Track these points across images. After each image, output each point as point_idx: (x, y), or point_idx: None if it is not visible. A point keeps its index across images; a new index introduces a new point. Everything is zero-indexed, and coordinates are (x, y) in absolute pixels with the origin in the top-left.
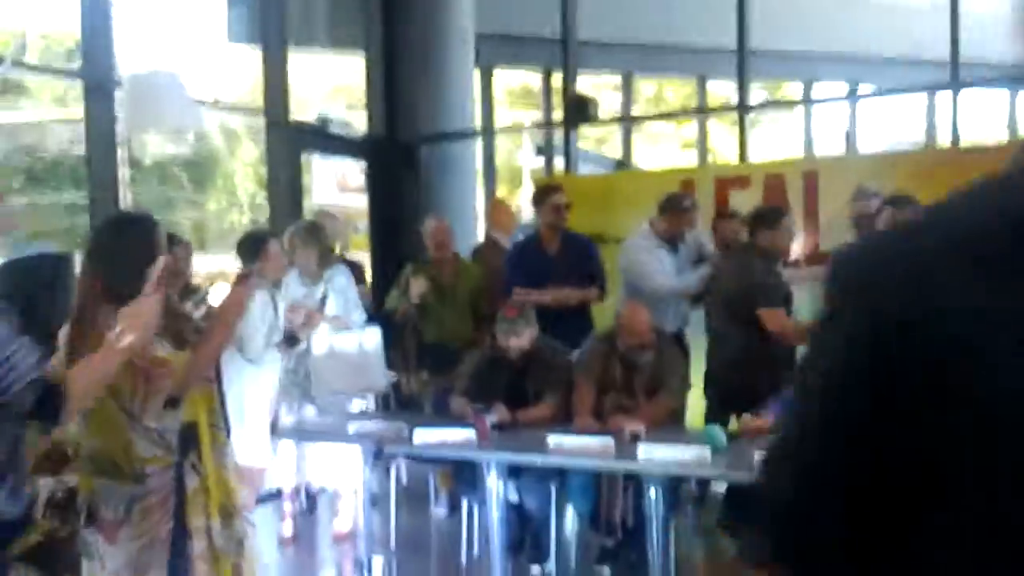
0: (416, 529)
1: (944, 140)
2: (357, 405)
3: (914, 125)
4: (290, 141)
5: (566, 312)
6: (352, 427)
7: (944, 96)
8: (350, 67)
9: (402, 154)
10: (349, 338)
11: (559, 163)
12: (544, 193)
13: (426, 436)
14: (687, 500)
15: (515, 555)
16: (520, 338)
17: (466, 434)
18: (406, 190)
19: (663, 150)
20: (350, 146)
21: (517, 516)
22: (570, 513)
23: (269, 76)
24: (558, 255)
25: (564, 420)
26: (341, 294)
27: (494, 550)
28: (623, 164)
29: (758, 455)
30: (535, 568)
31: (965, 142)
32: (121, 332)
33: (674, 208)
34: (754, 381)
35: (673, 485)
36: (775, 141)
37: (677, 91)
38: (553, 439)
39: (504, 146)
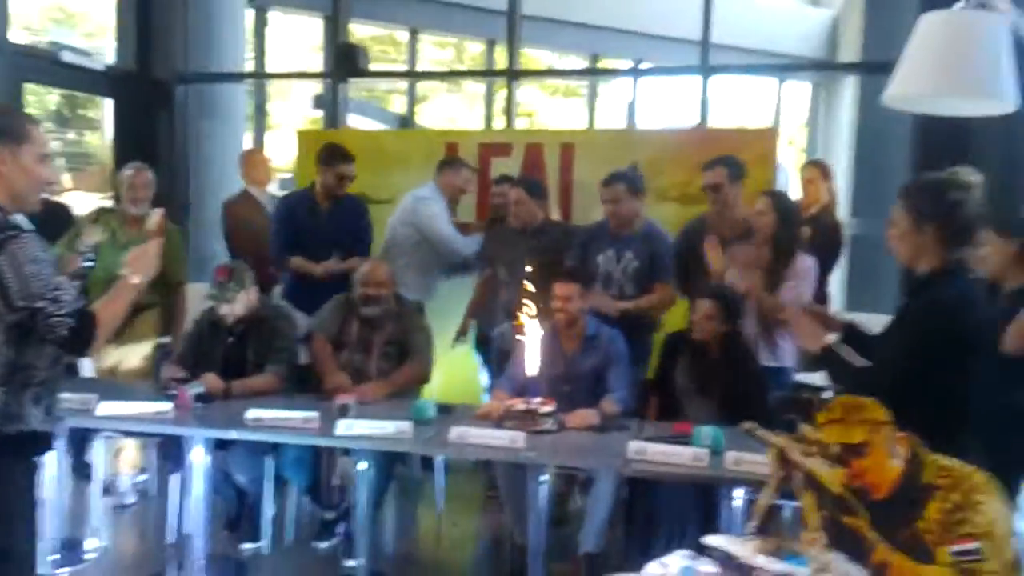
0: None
1: (718, 122)
2: None
3: (685, 105)
4: (9, 68)
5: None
6: None
7: (699, 79)
8: None
9: (156, 93)
10: None
11: (350, 118)
12: (332, 157)
13: (112, 409)
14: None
15: (233, 532)
16: (232, 304)
17: (159, 407)
18: (160, 133)
19: (462, 111)
20: (90, 79)
21: (236, 492)
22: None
23: None
24: (329, 214)
25: (290, 390)
26: None
27: (196, 528)
28: (406, 122)
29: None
30: (247, 546)
31: (713, 125)
32: (132, 273)
33: (452, 167)
34: None
35: (388, 460)
36: (573, 111)
37: (470, 53)
38: (252, 413)
39: (282, 95)
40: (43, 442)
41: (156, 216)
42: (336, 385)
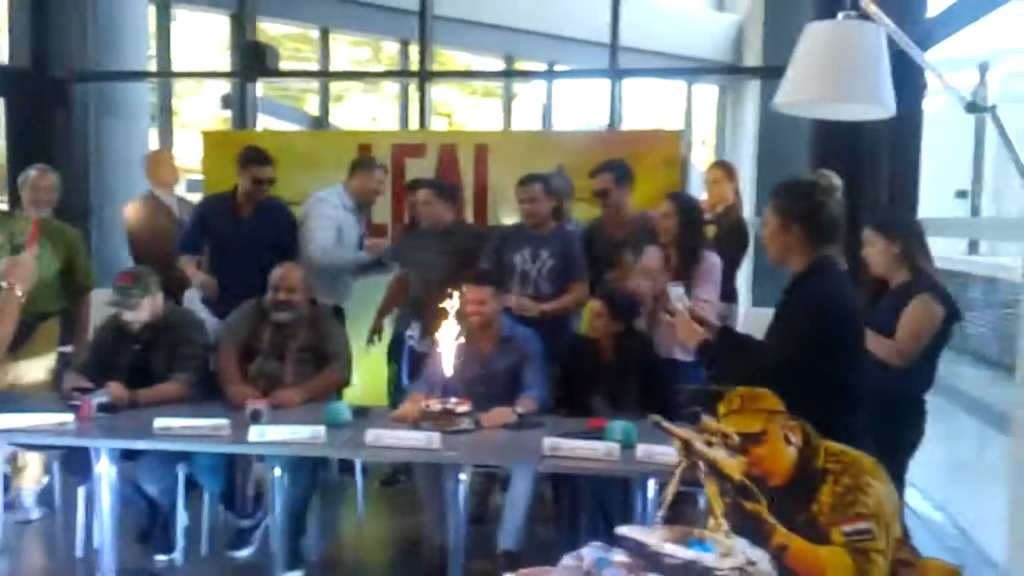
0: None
1: (628, 123)
2: None
3: (599, 107)
4: None
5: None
6: None
7: (609, 82)
8: None
9: (52, 92)
10: None
11: (261, 118)
12: (247, 160)
13: (10, 421)
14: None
15: (144, 544)
16: (136, 311)
17: (61, 418)
18: (57, 133)
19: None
20: None
21: (147, 503)
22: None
23: None
24: (250, 219)
25: (199, 398)
26: None
27: (104, 543)
28: (320, 123)
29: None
30: (160, 558)
31: (625, 126)
32: (12, 285)
33: (364, 168)
34: None
35: (311, 465)
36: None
37: (383, 53)
38: (159, 422)
39: (192, 94)
40: None
41: (27, 222)
42: (238, 397)
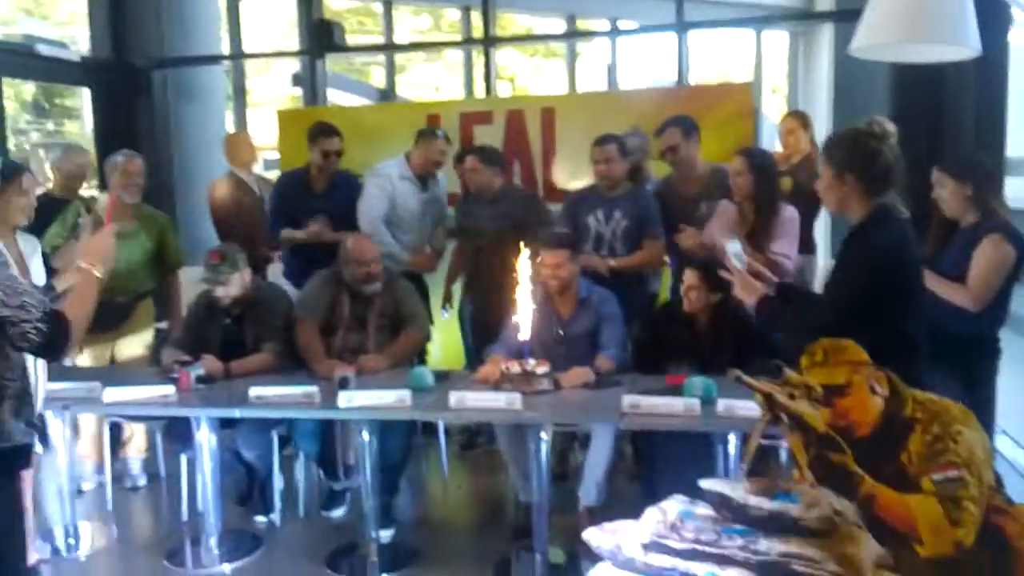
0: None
1: (697, 77)
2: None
3: (666, 62)
4: None
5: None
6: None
7: (676, 36)
8: None
9: (133, 80)
10: None
11: (330, 93)
12: (315, 134)
13: (118, 395)
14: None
15: (244, 507)
16: (227, 286)
17: (162, 390)
18: (140, 119)
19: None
20: (67, 70)
21: (245, 468)
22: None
23: None
24: (324, 194)
25: (290, 366)
26: None
27: (207, 504)
28: (387, 95)
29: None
30: (259, 519)
31: (693, 80)
32: (91, 266)
33: (426, 138)
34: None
35: (403, 428)
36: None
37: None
38: (254, 391)
39: (261, 74)
40: (24, 455)
41: (104, 201)
42: (326, 372)
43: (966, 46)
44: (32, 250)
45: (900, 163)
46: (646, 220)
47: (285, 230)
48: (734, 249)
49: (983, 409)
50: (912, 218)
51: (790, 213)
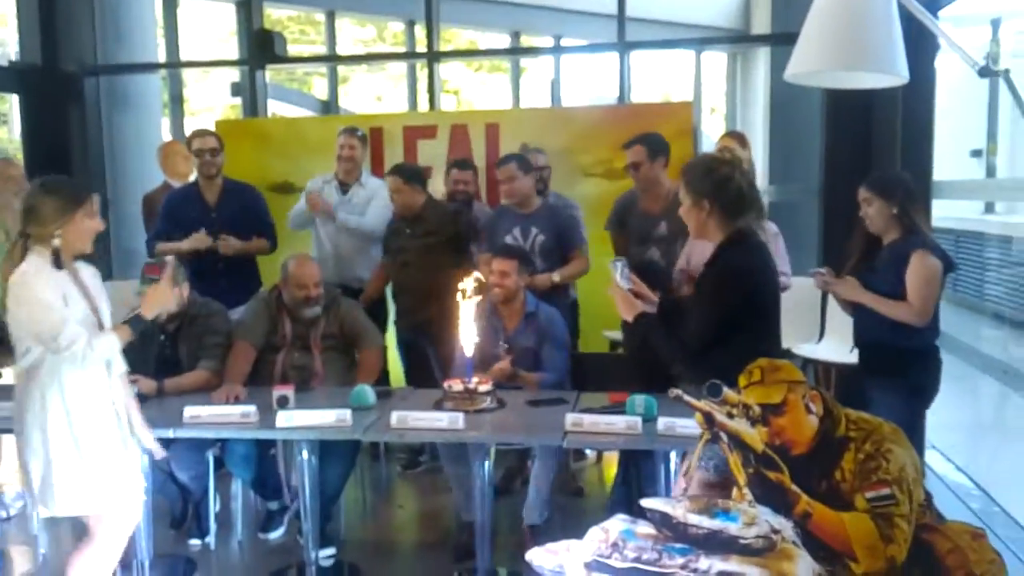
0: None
1: (638, 95)
2: None
3: (608, 79)
4: None
5: (230, 267)
6: None
7: (623, 55)
8: None
9: (64, 86)
10: None
11: (271, 104)
12: (192, 136)
13: None
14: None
15: (178, 530)
16: None
17: None
18: (72, 127)
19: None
20: None
21: (179, 489)
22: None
23: None
24: (217, 204)
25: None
26: None
27: (139, 529)
28: (329, 107)
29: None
30: (194, 542)
31: (634, 99)
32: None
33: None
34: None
35: (344, 448)
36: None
37: (392, 34)
38: (189, 410)
39: (199, 81)
40: None
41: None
42: (215, 396)
43: (895, 74)
44: (92, 276)
45: (753, 188)
46: (564, 235)
47: (161, 243)
48: (619, 269)
49: (913, 417)
50: (846, 234)
51: (772, 228)
